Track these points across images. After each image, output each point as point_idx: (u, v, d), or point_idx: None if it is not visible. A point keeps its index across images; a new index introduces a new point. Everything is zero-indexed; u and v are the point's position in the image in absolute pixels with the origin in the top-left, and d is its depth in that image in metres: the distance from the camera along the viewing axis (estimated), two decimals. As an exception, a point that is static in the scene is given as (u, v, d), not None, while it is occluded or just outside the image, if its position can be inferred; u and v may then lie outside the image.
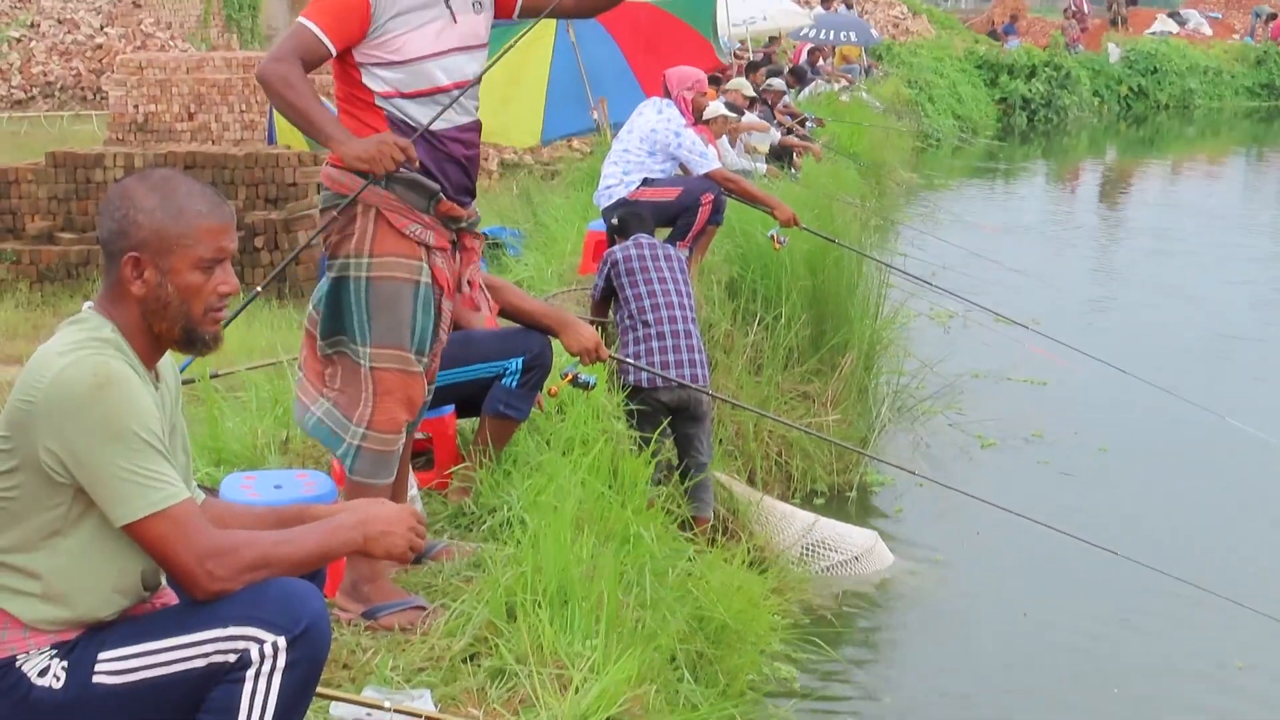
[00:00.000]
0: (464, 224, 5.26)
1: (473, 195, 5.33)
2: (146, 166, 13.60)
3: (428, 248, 5.11)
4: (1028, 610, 8.12)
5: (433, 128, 5.08)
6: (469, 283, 5.35)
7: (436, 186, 5.09)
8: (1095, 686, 7.25)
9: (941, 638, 7.96)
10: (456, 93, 5.13)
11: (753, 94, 16.23)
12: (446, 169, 5.14)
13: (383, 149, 4.80)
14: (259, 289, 6.21)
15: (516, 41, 5.78)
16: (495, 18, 5.34)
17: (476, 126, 5.29)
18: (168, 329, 3.35)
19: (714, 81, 14.18)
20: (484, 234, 5.62)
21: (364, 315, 5.06)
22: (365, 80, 5.05)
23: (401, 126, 5.05)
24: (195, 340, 3.39)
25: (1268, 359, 13.57)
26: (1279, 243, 21.20)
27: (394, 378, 5.09)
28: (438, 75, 5.08)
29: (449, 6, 5.09)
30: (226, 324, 3.52)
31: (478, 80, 5.23)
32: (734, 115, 13.49)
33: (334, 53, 4.94)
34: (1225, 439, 10.69)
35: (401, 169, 4.93)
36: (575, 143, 18.53)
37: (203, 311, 3.35)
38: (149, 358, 3.36)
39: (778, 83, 19.45)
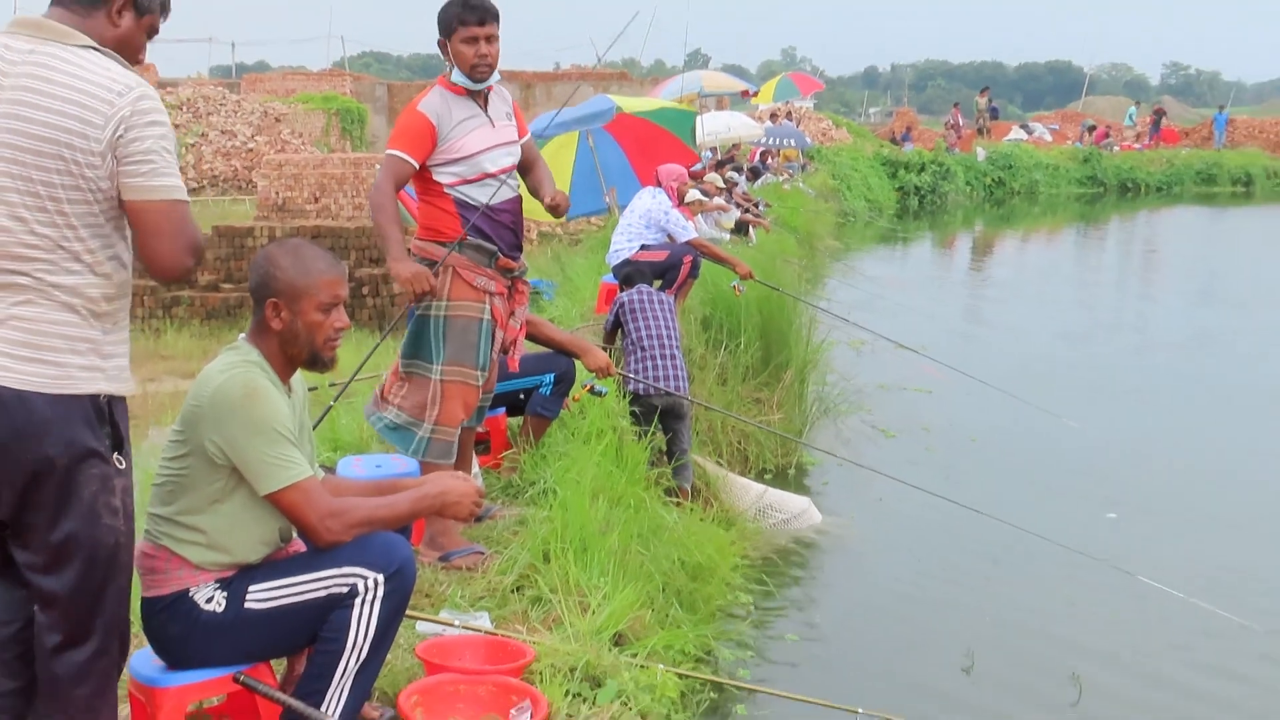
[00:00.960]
0: (516, 273, 5.34)
1: (520, 250, 5.39)
2: (284, 236, 13.63)
3: (490, 293, 5.18)
4: (918, 555, 8.11)
5: (488, 202, 5.19)
6: (510, 341, 5.41)
7: (494, 248, 5.16)
8: (967, 611, 7.24)
9: (855, 574, 7.95)
10: (504, 177, 5.25)
11: (721, 185, 16.25)
12: (501, 233, 5.23)
13: (418, 280, 4.97)
14: (376, 345, 6.24)
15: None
16: None
17: (519, 199, 5.37)
18: (298, 354, 3.37)
19: (693, 175, 14.19)
20: (529, 289, 5.68)
21: (440, 342, 5.14)
22: (436, 177, 5.15)
23: (466, 205, 5.14)
24: (318, 362, 3.42)
25: (1081, 376, 13.55)
26: (1082, 292, 21.19)
27: (457, 388, 5.17)
28: (487, 165, 5.20)
29: (488, 115, 5.21)
30: (360, 368, 3.52)
31: (515, 167, 5.35)
32: (707, 199, 13.51)
33: (418, 168, 5.06)
34: (1058, 431, 10.70)
35: (469, 234, 5.07)
36: (592, 219, 18.54)
37: (323, 341, 3.38)
38: (284, 374, 3.38)
39: (737, 177, 19.46)
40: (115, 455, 2.89)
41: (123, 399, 2.95)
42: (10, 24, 2.89)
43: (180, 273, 2.95)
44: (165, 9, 3.11)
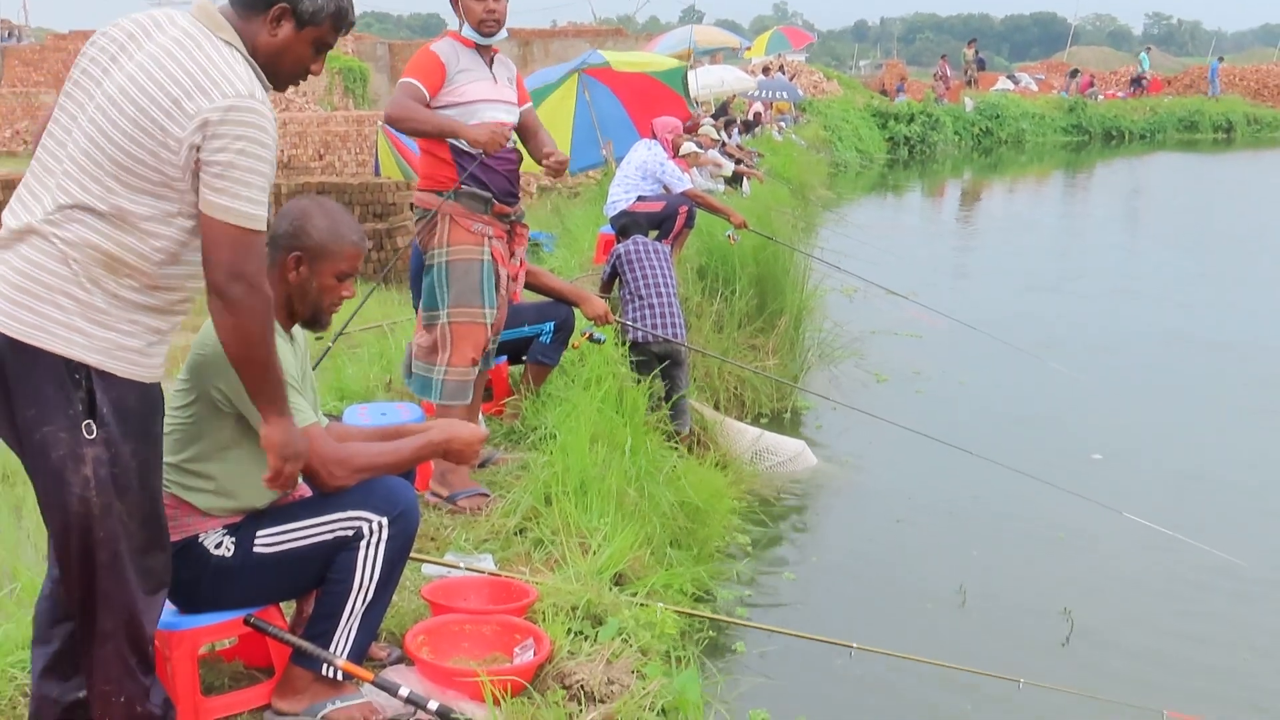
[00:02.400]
0: (513, 218, 5.39)
1: (516, 198, 5.43)
2: (290, 194, 13.54)
3: (488, 236, 5.21)
4: (911, 495, 8.12)
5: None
6: (511, 278, 5.43)
7: (488, 195, 5.19)
8: (959, 549, 7.25)
9: (849, 514, 7.95)
10: (505, 131, 5.24)
11: (716, 137, 16.12)
12: (495, 180, 5.28)
13: (495, 135, 5.02)
14: (370, 292, 6.25)
15: None
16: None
17: (516, 153, 5.37)
18: (302, 309, 3.38)
19: (688, 129, 14.09)
20: (528, 230, 5.71)
21: (445, 286, 5.21)
22: None
23: (462, 153, 5.20)
24: (316, 322, 3.45)
25: (1066, 321, 13.55)
26: (1067, 239, 21.13)
27: (464, 328, 5.22)
28: (484, 115, 5.19)
29: (491, 71, 5.26)
30: (354, 314, 3.48)
31: (513, 126, 5.32)
32: (701, 150, 13.43)
33: (429, 98, 5.08)
34: (1044, 373, 10.71)
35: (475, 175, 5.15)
36: (590, 173, 18.44)
37: (328, 304, 3.40)
38: (286, 324, 3.37)
39: (713, 124, 19.23)
40: (85, 422, 2.71)
41: (116, 378, 2.75)
42: (192, 5, 2.83)
43: (217, 291, 2.75)
44: (340, 24, 2.95)
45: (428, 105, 5.10)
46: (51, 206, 2.70)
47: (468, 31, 5.17)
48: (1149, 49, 55.27)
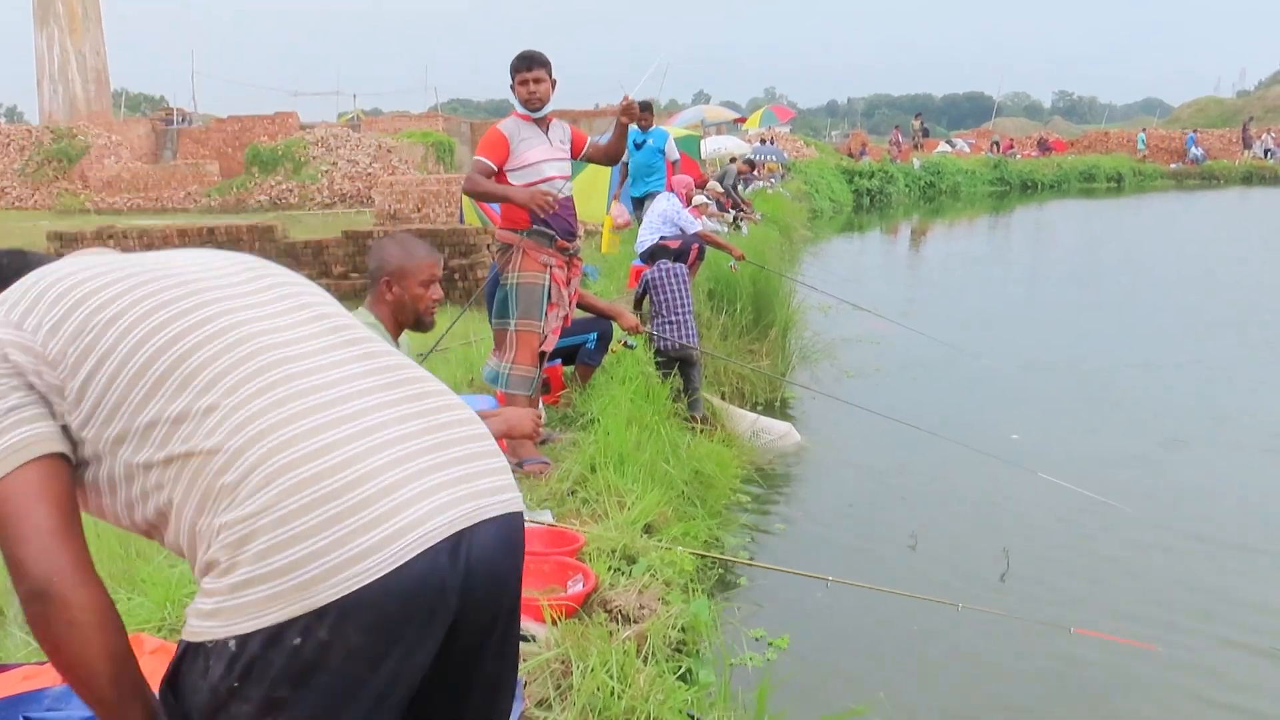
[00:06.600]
0: (571, 252, 5.43)
1: (574, 237, 5.47)
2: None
3: (550, 266, 5.23)
4: (874, 463, 8.07)
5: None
6: (569, 297, 5.46)
7: (552, 233, 5.23)
8: (911, 504, 7.19)
9: (826, 479, 7.90)
10: (559, 182, 5.30)
11: (720, 189, 16.10)
12: (557, 223, 5.34)
13: (535, 197, 4.98)
14: (456, 319, 6.29)
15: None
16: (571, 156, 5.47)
17: (571, 200, 5.41)
18: (405, 318, 3.39)
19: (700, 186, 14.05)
20: (582, 263, 5.78)
21: (514, 302, 5.27)
22: (510, 179, 5.22)
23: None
24: (421, 324, 3.45)
25: (992, 325, 13.44)
26: (994, 265, 20.91)
27: (526, 335, 5.28)
28: (545, 171, 5.23)
29: (548, 138, 5.26)
30: (443, 334, 3.48)
31: (569, 177, 5.37)
32: (710, 203, 13.42)
33: (496, 168, 5.13)
34: (977, 367, 10.63)
35: (541, 218, 5.15)
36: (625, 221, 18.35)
37: (425, 308, 3.40)
38: (394, 333, 3.38)
39: (719, 186, 19.08)
40: None
41: None
42: None
43: None
44: None
45: (497, 173, 5.14)
46: None
47: (521, 108, 5.21)
48: (1144, 130, 52.30)
